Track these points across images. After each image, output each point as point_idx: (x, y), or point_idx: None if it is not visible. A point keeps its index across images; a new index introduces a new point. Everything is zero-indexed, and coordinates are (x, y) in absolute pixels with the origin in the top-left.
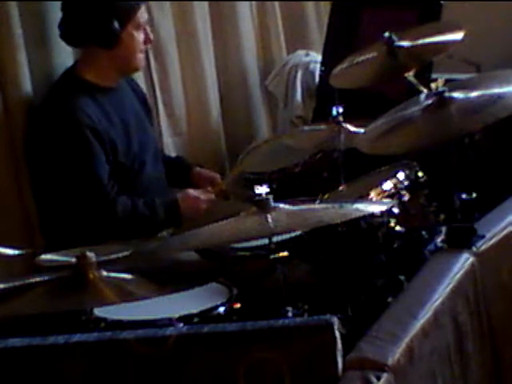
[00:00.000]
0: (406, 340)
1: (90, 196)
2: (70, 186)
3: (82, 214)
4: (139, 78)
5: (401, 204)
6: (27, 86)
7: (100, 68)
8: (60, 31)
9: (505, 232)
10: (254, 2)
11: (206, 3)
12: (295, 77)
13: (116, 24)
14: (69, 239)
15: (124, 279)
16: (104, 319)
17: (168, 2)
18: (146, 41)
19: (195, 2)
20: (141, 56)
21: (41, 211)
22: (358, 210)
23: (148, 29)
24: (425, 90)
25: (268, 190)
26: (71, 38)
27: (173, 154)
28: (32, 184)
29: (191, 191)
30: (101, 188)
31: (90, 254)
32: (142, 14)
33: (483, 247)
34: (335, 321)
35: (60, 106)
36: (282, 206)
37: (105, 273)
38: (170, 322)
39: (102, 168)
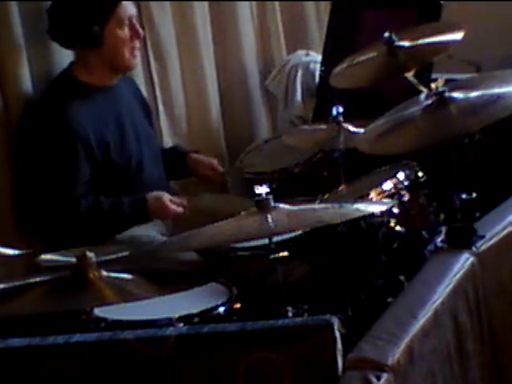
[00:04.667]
0: (406, 340)
1: (55, 194)
2: (41, 182)
3: (47, 209)
4: (139, 77)
5: (401, 204)
6: (27, 85)
7: (92, 68)
8: (49, 34)
9: (505, 232)
10: (254, 2)
11: (206, 3)
12: (295, 77)
13: (96, 24)
14: (45, 236)
15: (124, 279)
16: (104, 319)
17: (168, 2)
18: (134, 36)
19: (195, 2)
20: (130, 53)
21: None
22: (358, 210)
23: (136, 24)
24: (425, 90)
25: (268, 189)
26: (60, 41)
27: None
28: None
29: (166, 196)
30: (68, 187)
31: (90, 254)
32: (124, 10)
33: (483, 247)
34: (335, 321)
35: (49, 107)
36: (282, 206)
37: (105, 273)
38: (169, 322)
39: (74, 169)
